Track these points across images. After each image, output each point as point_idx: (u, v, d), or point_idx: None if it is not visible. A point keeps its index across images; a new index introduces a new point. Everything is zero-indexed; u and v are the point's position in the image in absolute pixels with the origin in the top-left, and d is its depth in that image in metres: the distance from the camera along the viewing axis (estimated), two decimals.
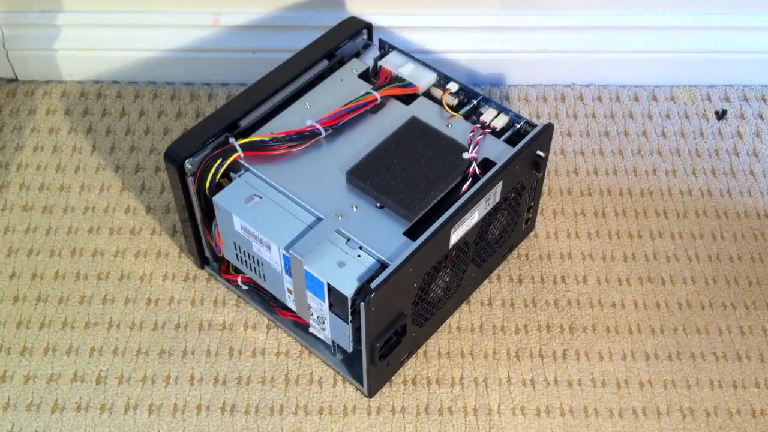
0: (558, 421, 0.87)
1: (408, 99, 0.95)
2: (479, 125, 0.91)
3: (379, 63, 0.96)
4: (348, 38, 0.98)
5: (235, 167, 0.88)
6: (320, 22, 1.05)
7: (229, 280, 0.95)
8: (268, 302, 0.93)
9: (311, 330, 0.88)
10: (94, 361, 0.91)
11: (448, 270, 0.87)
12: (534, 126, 0.91)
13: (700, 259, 1.01)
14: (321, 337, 0.87)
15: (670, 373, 0.91)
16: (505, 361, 0.92)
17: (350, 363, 0.89)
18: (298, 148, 0.89)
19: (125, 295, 0.97)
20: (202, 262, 0.97)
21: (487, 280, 0.98)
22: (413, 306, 0.84)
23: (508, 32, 1.18)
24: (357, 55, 1.00)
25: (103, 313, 0.95)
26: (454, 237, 0.84)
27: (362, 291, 0.77)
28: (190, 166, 0.86)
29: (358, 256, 0.80)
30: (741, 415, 0.88)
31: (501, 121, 0.92)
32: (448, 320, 0.94)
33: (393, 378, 0.90)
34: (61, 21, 1.17)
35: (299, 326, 0.92)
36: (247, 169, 0.87)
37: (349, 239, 0.81)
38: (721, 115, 1.18)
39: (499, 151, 0.89)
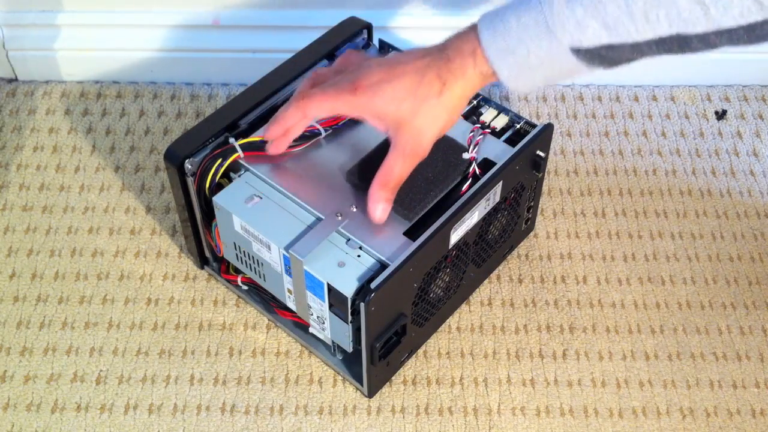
0: (558, 421, 0.87)
1: None
2: (479, 125, 0.91)
3: None
4: (348, 38, 0.98)
5: (235, 167, 0.88)
6: (320, 22, 1.05)
7: (229, 280, 0.95)
8: (268, 302, 0.93)
9: (311, 330, 0.88)
10: (94, 361, 0.91)
11: (448, 270, 0.87)
12: (534, 126, 0.91)
13: (700, 259, 1.01)
14: (321, 337, 0.87)
15: (670, 373, 0.91)
16: (505, 361, 0.92)
17: (350, 363, 0.89)
18: (298, 148, 0.89)
19: (125, 295, 0.96)
20: (202, 262, 0.97)
21: (487, 280, 0.98)
22: (413, 306, 0.84)
23: None
24: None
25: (103, 313, 0.95)
26: (454, 237, 0.84)
27: (362, 291, 0.76)
28: (190, 166, 0.86)
29: (358, 256, 0.80)
30: (741, 415, 0.88)
31: (501, 121, 0.92)
32: (448, 320, 0.94)
33: (393, 378, 0.90)
34: (61, 21, 1.17)
35: (299, 326, 0.92)
36: (247, 169, 0.87)
37: (349, 239, 0.81)
38: (721, 115, 1.18)
39: (499, 151, 0.89)
